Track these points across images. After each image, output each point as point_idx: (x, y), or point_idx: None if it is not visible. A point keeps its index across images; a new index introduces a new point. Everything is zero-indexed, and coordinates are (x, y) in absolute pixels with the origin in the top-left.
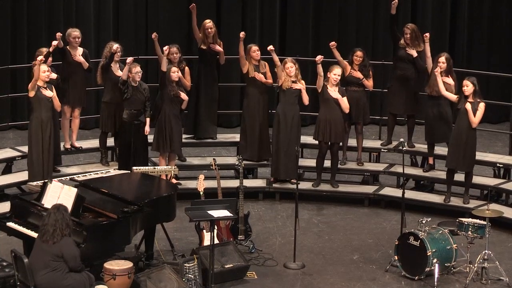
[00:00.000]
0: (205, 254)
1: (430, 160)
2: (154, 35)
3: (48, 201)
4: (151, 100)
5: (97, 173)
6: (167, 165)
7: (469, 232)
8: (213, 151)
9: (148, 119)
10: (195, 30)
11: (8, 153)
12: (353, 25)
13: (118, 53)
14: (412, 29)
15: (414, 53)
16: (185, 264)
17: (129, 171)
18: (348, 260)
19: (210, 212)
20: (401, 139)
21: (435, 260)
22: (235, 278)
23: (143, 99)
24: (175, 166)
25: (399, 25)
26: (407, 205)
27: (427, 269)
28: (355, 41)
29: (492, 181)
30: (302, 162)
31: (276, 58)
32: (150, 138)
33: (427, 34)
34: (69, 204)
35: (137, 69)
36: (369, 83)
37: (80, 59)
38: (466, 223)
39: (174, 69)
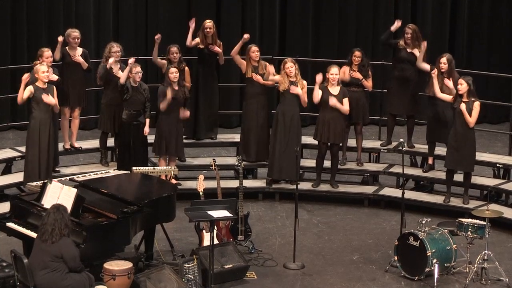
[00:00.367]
0: (205, 255)
1: (430, 161)
2: (157, 36)
3: (47, 202)
4: (151, 101)
5: (96, 174)
6: (167, 166)
7: (469, 233)
8: (212, 151)
9: (147, 120)
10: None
11: (7, 153)
12: (353, 25)
13: (118, 53)
14: (413, 29)
15: (416, 52)
16: (185, 265)
17: (129, 172)
18: (348, 260)
19: (209, 212)
20: (401, 140)
21: (434, 261)
22: (234, 279)
23: (143, 99)
24: (175, 167)
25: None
26: (406, 206)
27: (427, 269)
28: (355, 42)
29: (491, 182)
30: (302, 162)
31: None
32: (150, 139)
33: (425, 42)
34: (68, 205)
35: (138, 69)
36: (368, 83)
37: (80, 59)
38: (465, 223)
39: (173, 69)
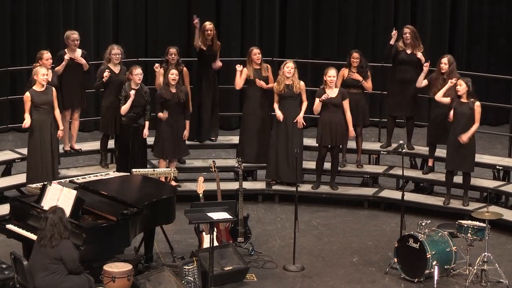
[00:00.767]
0: (205, 257)
1: (430, 162)
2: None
3: (47, 203)
4: (152, 103)
5: (96, 176)
6: (167, 167)
7: (469, 234)
8: (212, 153)
9: (147, 122)
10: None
11: (7, 155)
12: (353, 26)
13: (118, 55)
14: (411, 30)
15: (418, 53)
16: (184, 267)
17: (129, 174)
18: (348, 262)
19: (209, 214)
20: (401, 141)
21: (434, 263)
22: (234, 281)
23: (143, 102)
24: (175, 168)
25: (398, 26)
26: (406, 207)
27: (427, 271)
28: (355, 43)
29: (491, 183)
30: (302, 164)
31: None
32: (149, 141)
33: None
34: (68, 206)
35: (138, 71)
36: (368, 84)
37: (82, 60)
38: (465, 225)
39: (173, 71)
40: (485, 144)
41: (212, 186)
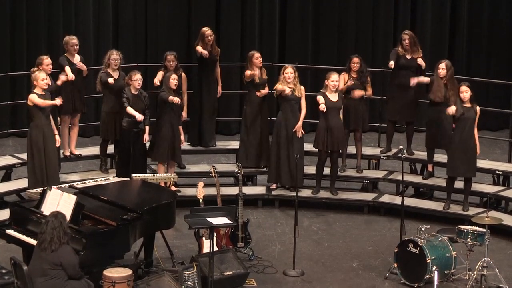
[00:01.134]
0: (205, 262)
1: (430, 168)
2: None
3: (47, 209)
4: (151, 108)
5: (96, 181)
6: (166, 173)
7: (469, 240)
8: (212, 158)
9: (147, 127)
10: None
11: (7, 160)
12: (353, 32)
13: (117, 61)
14: (410, 35)
15: (418, 59)
16: (184, 272)
17: (128, 179)
18: (348, 267)
19: (209, 219)
20: (400, 146)
21: (434, 268)
22: (234, 286)
23: (143, 107)
24: (175, 173)
25: (398, 31)
26: (406, 213)
27: (427, 276)
28: (354, 48)
29: (491, 188)
30: (303, 169)
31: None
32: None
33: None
34: (68, 212)
35: (137, 76)
36: (368, 91)
37: (83, 66)
38: (465, 230)
39: (174, 76)
40: (485, 149)
41: (212, 191)
